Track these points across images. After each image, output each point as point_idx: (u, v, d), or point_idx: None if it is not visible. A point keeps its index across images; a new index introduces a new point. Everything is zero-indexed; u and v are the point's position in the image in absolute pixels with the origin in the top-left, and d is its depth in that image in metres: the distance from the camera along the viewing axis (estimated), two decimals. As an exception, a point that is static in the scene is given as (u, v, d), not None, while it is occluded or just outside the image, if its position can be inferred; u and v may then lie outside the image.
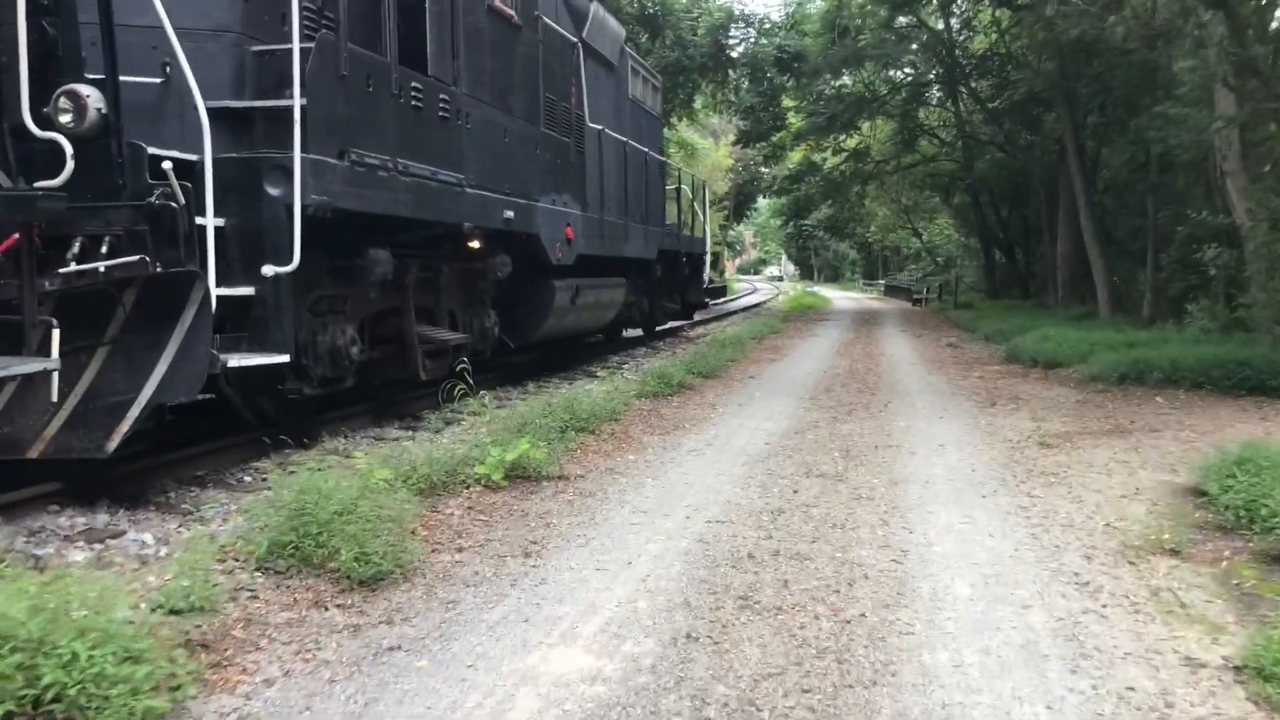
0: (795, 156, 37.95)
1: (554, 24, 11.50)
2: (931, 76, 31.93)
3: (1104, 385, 11.17)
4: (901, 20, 28.61)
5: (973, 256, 41.78)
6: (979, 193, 34.09)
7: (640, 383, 11.00)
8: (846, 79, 32.89)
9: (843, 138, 34.03)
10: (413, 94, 7.63)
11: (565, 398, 8.68)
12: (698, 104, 36.49)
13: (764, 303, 40.98)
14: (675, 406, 10.06)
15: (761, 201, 54.93)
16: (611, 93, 14.65)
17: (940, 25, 29.76)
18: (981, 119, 31.27)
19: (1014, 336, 16.82)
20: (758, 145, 37.65)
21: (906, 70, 32.56)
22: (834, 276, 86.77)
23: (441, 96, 8.14)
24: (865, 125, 34.63)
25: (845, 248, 77.37)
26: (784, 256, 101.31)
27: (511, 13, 9.70)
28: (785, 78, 32.83)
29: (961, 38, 30.56)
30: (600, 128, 13.32)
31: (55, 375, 4.96)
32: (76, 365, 5.26)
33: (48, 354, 4.93)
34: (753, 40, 34.16)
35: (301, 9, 6.38)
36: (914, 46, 29.40)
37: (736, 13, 34.08)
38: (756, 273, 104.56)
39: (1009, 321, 20.16)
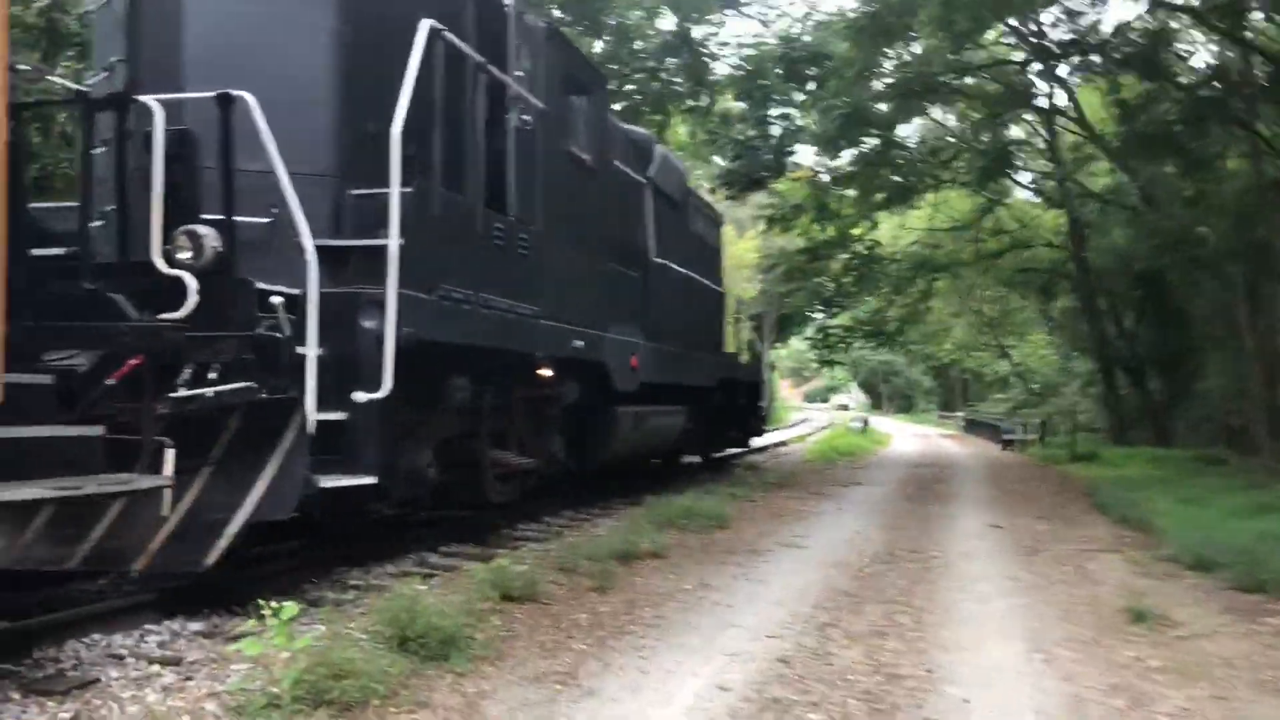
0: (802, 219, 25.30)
1: (624, 166, 12.13)
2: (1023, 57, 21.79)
3: None
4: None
5: (1085, 382, 32.44)
6: (1094, 292, 25.52)
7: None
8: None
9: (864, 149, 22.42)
10: (495, 233, 8.14)
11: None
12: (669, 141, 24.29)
13: (784, 442, 30.99)
14: None
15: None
16: (675, 228, 15.22)
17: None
18: (1104, 156, 21.80)
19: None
20: (744, 195, 27.36)
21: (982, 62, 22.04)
22: (907, 406, 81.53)
23: (521, 235, 8.65)
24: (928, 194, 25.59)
25: (918, 374, 73.69)
26: (854, 384, 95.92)
27: (587, 158, 10.32)
28: (793, 88, 22.83)
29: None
30: (664, 262, 13.84)
31: (167, 492, 5.32)
32: (181, 484, 5.63)
33: (159, 473, 5.32)
34: (748, 39, 23.68)
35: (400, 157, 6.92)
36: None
37: None
38: (825, 400, 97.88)
39: (1209, 506, 11.23)
